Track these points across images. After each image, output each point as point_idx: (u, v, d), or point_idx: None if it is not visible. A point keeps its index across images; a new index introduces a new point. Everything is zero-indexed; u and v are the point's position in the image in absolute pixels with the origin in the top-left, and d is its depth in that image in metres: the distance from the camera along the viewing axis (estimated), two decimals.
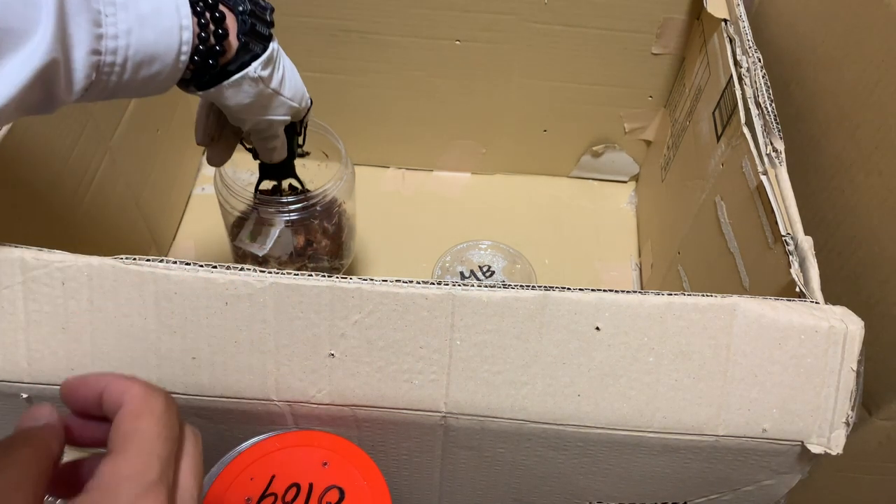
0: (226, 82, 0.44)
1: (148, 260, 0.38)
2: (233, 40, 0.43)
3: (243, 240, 0.63)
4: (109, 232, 0.64)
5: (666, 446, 0.39)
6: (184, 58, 0.40)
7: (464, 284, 0.38)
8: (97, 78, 0.37)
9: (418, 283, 0.38)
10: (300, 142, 0.58)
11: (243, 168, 0.62)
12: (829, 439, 0.38)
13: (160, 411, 0.27)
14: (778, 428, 0.38)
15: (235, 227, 0.64)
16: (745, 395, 0.38)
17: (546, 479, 0.44)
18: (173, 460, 0.27)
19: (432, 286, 0.38)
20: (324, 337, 0.38)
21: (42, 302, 0.38)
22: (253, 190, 0.60)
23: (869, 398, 0.49)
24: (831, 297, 0.40)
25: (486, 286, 0.38)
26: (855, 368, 0.37)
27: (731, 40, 0.58)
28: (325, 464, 0.38)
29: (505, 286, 0.38)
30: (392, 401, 0.39)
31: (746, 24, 0.58)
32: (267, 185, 0.61)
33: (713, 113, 0.59)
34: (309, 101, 0.54)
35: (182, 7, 0.40)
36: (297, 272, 0.38)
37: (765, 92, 0.51)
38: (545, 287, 0.38)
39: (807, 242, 0.42)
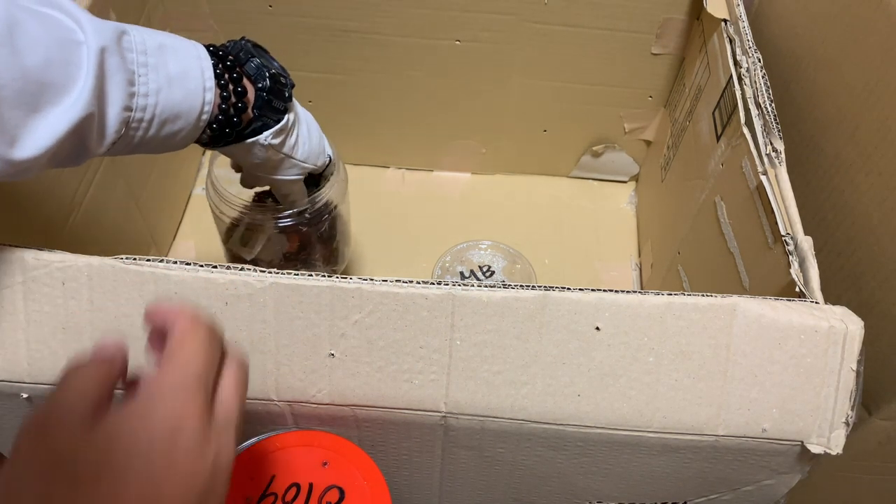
0: (236, 144, 0.46)
1: (148, 260, 0.38)
2: (250, 112, 0.46)
3: (235, 243, 0.63)
4: (109, 232, 0.64)
5: (666, 446, 0.39)
6: (205, 117, 0.43)
7: (464, 284, 0.38)
8: (125, 132, 0.40)
9: (418, 283, 0.38)
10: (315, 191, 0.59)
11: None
12: (829, 439, 0.38)
13: (202, 336, 0.30)
14: (778, 428, 0.38)
15: (228, 232, 0.64)
16: (745, 395, 0.38)
17: (546, 479, 0.44)
18: (212, 377, 0.30)
19: (432, 286, 0.38)
20: (324, 337, 0.38)
21: (42, 302, 0.38)
22: (249, 199, 0.60)
23: (869, 398, 0.49)
24: (831, 297, 0.39)
25: (486, 286, 0.38)
26: (855, 368, 0.37)
27: (731, 40, 0.58)
28: (325, 464, 0.38)
29: (505, 286, 0.38)
30: (392, 401, 0.39)
31: (746, 24, 0.58)
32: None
33: (713, 113, 0.59)
34: (328, 159, 0.56)
35: (206, 70, 0.42)
36: (297, 272, 0.38)
37: (764, 92, 0.51)
38: (545, 287, 0.38)
39: (807, 242, 0.42)
